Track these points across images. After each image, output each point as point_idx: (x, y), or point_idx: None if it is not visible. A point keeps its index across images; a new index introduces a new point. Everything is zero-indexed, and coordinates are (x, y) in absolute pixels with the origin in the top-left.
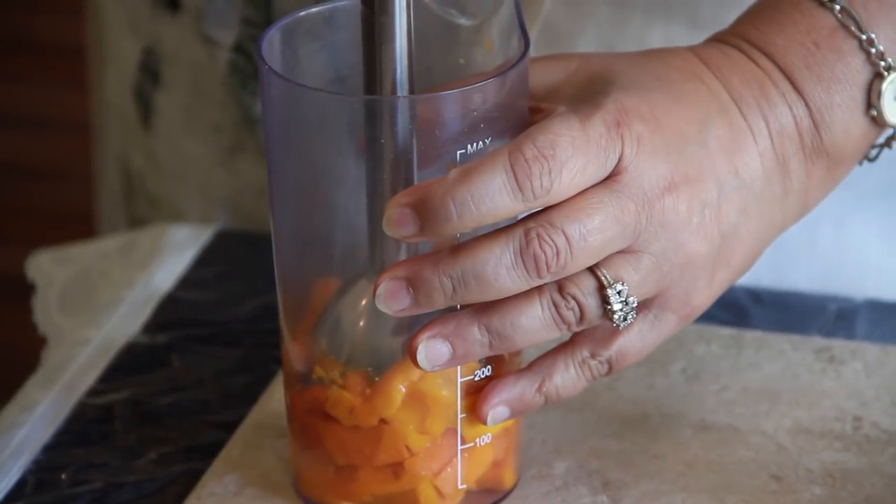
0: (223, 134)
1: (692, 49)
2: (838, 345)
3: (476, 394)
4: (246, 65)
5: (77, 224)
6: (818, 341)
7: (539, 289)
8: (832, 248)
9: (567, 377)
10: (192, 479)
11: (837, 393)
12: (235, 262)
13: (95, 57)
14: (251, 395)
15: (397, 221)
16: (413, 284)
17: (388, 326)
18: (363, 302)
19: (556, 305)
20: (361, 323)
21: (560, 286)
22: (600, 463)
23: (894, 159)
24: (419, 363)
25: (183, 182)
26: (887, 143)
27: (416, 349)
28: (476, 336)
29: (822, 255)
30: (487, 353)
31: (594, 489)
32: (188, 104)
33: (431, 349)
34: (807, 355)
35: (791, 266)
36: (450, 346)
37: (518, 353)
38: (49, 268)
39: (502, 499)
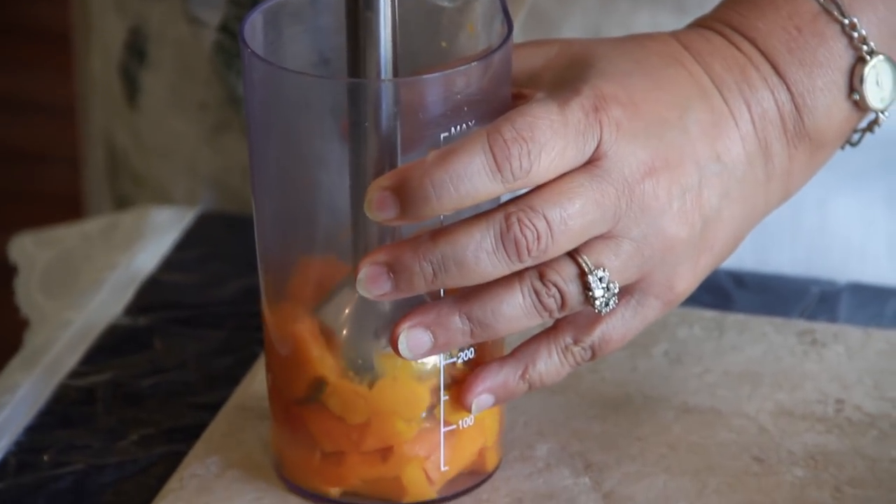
0: (209, 113)
1: (673, 34)
2: (821, 328)
3: (459, 375)
4: (232, 45)
5: (63, 207)
6: (800, 324)
7: (520, 276)
8: (815, 232)
9: (550, 364)
10: (174, 461)
11: (819, 375)
12: (218, 244)
13: (81, 36)
14: (233, 377)
15: (378, 205)
16: (393, 269)
17: (371, 331)
18: (346, 311)
19: (537, 293)
20: (345, 332)
21: (541, 273)
22: (583, 445)
23: (877, 143)
24: (401, 352)
25: (168, 161)
26: (869, 128)
27: (398, 338)
28: (457, 324)
29: (805, 238)
30: (469, 341)
31: (576, 471)
32: (174, 83)
33: (413, 338)
34: (789, 338)
35: (774, 249)
36: (431, 334)
37: (502, 337)
38: (31, 250)
39: (485, 480)
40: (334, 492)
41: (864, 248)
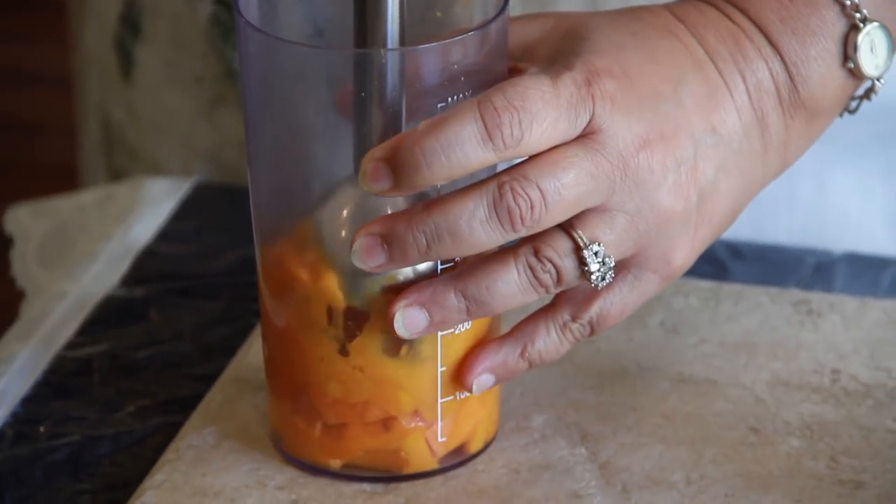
0: (204, 87)
1: (668, 6)
2: (816, 298)
3: (456, 347)
4: (227, 17)
5: (59, 178)
6: (796, 294)
7: (515, 253)
8: (812, 204)
9: (549, 341)
10: (170, 432)
11: (815, 346)
12: (214, 215)
13: (76, 8)
14: (229, 347)
15: (372, 176)
16: (387, 240)
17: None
18: (345, 212)
19: (532, 269)
20: (343, 233)
21: (535, 249)
22: (578, 416)
23: (875, 115)
24: (397, 331)
25: (164, 134)
26: (866, 95)
27: (394, 317)
28: (453, 302)
29: (801, 210)
30: (465, 318)
31: (572, 441)
32: (169, 57)
33: (409, 317)
34: (785, 308)
35: (771, 220)
36: (427, 313)
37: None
38: (27, 221)
39: (482, 451)
40: (335, 464)
41: (861, 220)
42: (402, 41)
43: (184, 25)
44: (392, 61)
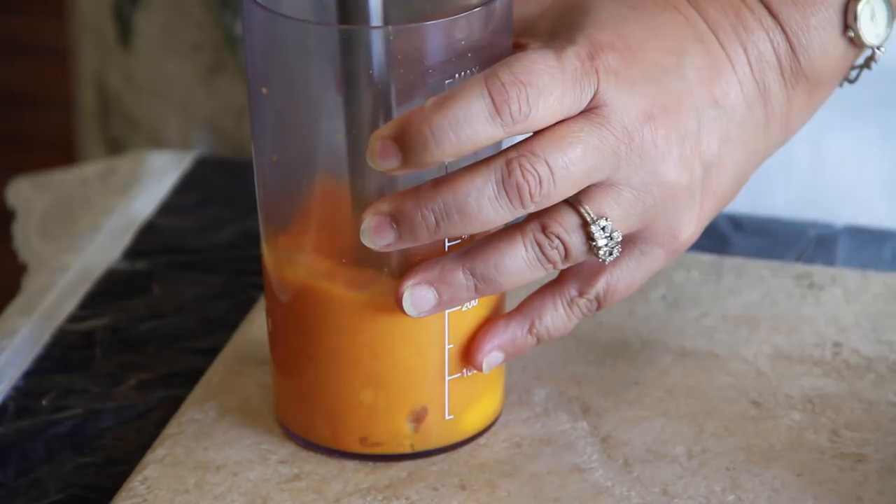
0: (203, 54)
1: None
2: (818, 271)
3: (464, 324)
4: None
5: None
6: (798, 267)
7: (522, 230)
8: (809, 171)
9: (557, 317)
10: (172, 406)
11: (817, 319)
12: (216, 188)
13: None
14: (231, 321)
15: (381, 153)
16: (396, 219)
17: None
18: None
19: (539, 245)
20: None
21: (543, 226)
22: (580, 389)
23: (870, 81)
24: (406, 310)
25: (162, 102)
26: (866, 64)
27: (402, 296)
28: (461, 280)
29: (798, 177)
30: (474, 296)
31: (574, 415)
32: (167, 24)
33: (417, 296)
34: (786, 281)
35: (768, 189)
36: (435, 291)
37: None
38: (29, 194)
39: (489, 427)
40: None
41: (857, 186)
42: (387, 17)
43: None
44: (379, 39)
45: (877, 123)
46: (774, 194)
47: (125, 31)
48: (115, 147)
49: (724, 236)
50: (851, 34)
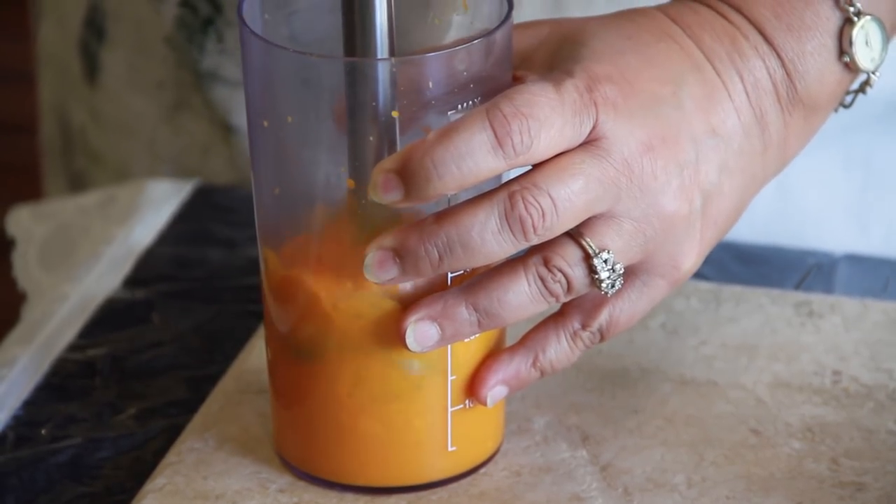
0: (165, 91)
1: (661, 8)
2: (817, 299)
3: (467, 357)
4: (193, 19)
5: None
6: (797, 295)
7: (524, 264)
8: (773, 197)
9: (560, 350)
10: (172, 435)
11: (816, 347)
12: (215, 217)
13: (32, 7)
14: (231, 350)
15: (383, 187)
16: (399, 254)
17: None
18: None
19: (542, 279)
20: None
21: (545, 259)
22: (580, 418)
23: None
24: (409, 346)
25: (128, 138)
26: (861, 89)
27: (406, 332)
28: (464, 315)
29: (762, 204)
30: (477, 331)
31: (574, 444)
32: (132, 61)
33: (421, 331)
34: (786, 309)
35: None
36: (438, 327)
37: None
38: (28, 223)
39: (490, 459)
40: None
41: (822, 213)
42: (392, 51)
43: (146, 29)
44: (384, 71)
45: (840, 149)
46: (739, 221)
47: (92, 68)
48: (77, 182)
49: (724, 264)
50: (847, 59)
